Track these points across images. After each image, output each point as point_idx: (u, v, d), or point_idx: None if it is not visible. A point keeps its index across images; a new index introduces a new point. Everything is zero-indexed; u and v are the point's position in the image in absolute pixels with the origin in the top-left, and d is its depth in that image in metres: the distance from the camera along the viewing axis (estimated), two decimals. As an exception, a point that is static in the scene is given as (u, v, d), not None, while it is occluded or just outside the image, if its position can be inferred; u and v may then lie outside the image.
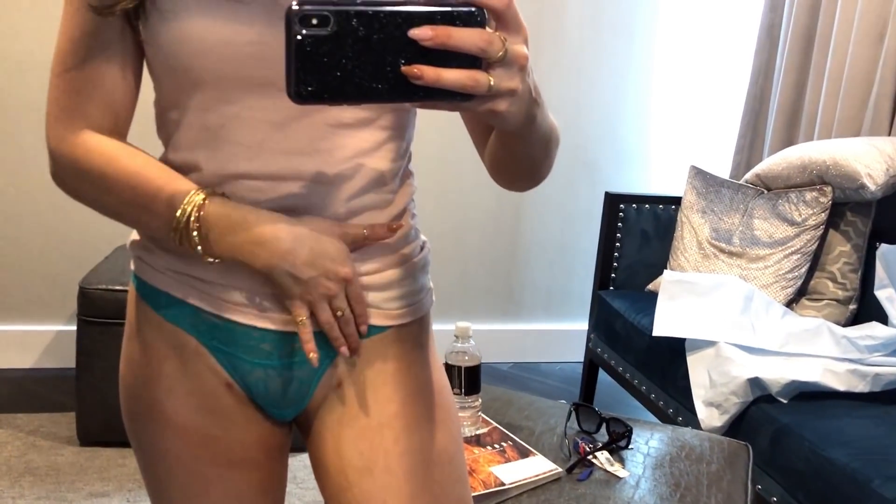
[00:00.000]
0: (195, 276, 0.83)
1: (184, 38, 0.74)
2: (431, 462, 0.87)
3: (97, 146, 0.80)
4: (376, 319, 0.87)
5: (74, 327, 2.60)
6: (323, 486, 0.90)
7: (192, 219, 0.77)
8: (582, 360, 3.33)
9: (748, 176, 2.69)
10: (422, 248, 0.92)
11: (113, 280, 2.31)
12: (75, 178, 0.81)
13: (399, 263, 0.88)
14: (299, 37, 0.56)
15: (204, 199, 0.77)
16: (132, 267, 0.90)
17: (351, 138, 0.80)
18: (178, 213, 0.77)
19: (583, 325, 3.35)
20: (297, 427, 0.95)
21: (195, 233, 0.77)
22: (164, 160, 0.83)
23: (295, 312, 0.80)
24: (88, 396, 2.31)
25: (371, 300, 0.86)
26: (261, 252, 0.77)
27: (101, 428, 2.34)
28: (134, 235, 0.90)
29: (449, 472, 0.89)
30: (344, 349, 0.83)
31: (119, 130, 0.82)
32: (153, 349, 0.87)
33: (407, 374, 0.88)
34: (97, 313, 2.27)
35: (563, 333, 3.35)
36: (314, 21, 0.56)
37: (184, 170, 0.81)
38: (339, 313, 0.81)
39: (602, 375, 3.13)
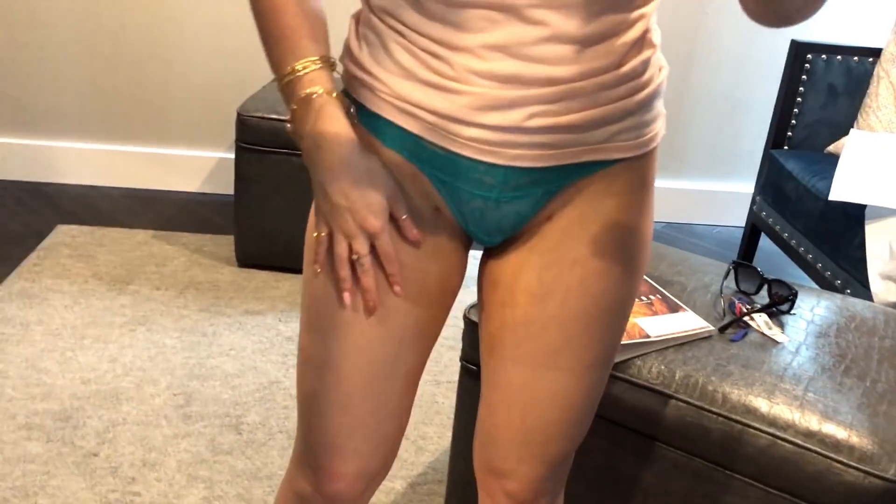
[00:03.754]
0: (421, 106, 0.78)
1: None
2: (604, 309, 0.86)
3: None
4: (604, 153, 0.81)
5: (233, 155, 2.69)
6: (483, 294, 0.91)
7: (291, 81, 0.79)
8: (741, 224, 3.14)
9: (968, 26, 2.32)
10: (660, 71, 0.83)
11: (269, 108, 2.33)
12: None
13: (636, 91, 0.80)
14: None
15: (314, 70, 0.78)
16: (345, 84, 0.85)
17: None
18: (287, 70, 0.79)
19: (747, 188, 3.13)
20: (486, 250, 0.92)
21: (286, 96, 0.80)
22: None
23: (317, 226, 0.83)
24: (245, 221, 2.41)
25: (601, 134, 0.79)
26: (314, 154, 0.79)
27: (258, 251, 2.44)
28: (347, 48, 0.84)
29: (614, 322, 0.88)
30: (346, 295, 0.83)
31: None
32: None
33: (622, 215, 0.84)
34: (254, 140, 2.32)
35: (725, 195, 3.14)
36: None
37: None
38: (355, 256, 0.81)
39: (763, 241, 2.94)
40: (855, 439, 1.15)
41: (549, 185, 0.81)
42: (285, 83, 0.79)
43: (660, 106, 0.85)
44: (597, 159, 0.81)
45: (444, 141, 0.78)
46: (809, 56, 2.47)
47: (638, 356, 1.28)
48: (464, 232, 0.88)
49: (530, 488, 0.92)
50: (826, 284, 2.17)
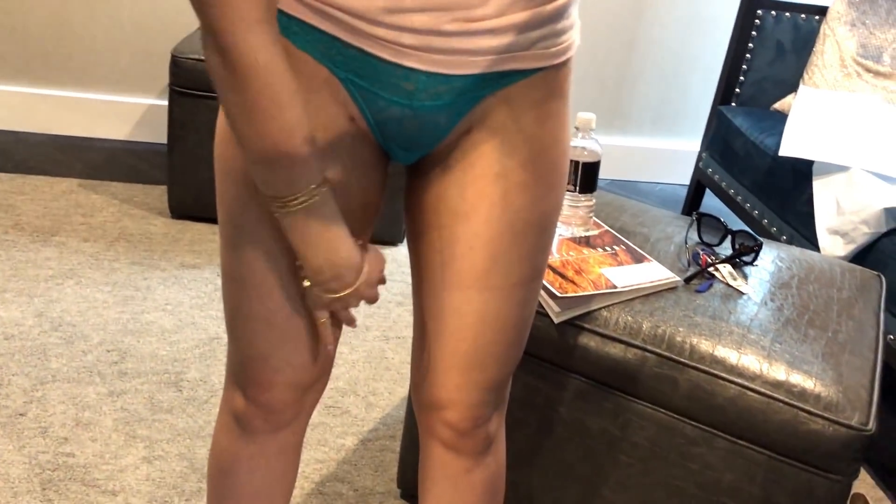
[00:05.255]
0: (336, 6, 0.73)
1: None
2: (529, 223, 0.85)
3: (266, 69, 0.70)
4: (524, 62, 0.78)
5: (166, 101, 2.54)
6: (411, 224, 0.90)
7: (298, 207, 0.76)
8: (684, 182, 3.15)
9: (912, -14, 2.35)
10: None
11: (206, 50, 2.20)
12: (229, 82, 0.71)
13: None
14: None
15: (316, 194, 0.76)
16: None
17: None
18: (288, 198, 0.75)
19: (692, 146, 3.14)
20: (407, 170, 0.91)
21: (287, 218, 0.77)
22: None
23: (317, 315, 0.86)
24: (180, 169, 2.28)
25: (521, 41, 0.77)
26: (315, 267, 0.80)
27: (193, 202, 2.32)
28: None
29: (540, 238, 0.87)
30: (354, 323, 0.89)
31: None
32: None
33: (542, 127, 0.82)
34: (190, 84, 2.18)
35: (669, 152, 3.14)
36: None
37: None
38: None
39: (707, 199, 2.96)
40: (820, 388, 1.14)
41: (470, 94, 0.79)
42: (287, 210, 0.76)
43: (574, 15, 0.83)
44: (516, 68, 0.78)
45: (360, 41, 0.74)
46: (759, 12, 2.47)
47: (604, 307, 1.24)
48: (381, 147, 0.85)
49: (470, 415, 0.91)
50: (772, 239, 2.19)
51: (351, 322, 0.89)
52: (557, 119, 0.84)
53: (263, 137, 0.71)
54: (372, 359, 1.89)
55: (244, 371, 0.93)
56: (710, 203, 2.98)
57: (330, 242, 0.78)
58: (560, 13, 0.79)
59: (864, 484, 1.72)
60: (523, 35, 0.76)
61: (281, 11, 0.76)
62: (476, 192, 0.83)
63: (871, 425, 1.12)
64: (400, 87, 0.77)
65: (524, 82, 0.80)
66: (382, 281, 0.86)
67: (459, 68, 0.76)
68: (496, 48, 0.76)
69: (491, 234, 0.83)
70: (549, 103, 0.83)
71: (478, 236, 0.83)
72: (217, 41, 0.68)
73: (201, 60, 2.17)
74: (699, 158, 2.64)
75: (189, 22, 2.69)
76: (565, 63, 0.83)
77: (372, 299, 0.85)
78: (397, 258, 2.35)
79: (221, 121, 0.85)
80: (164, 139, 2.78)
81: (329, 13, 0.74)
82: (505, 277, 0.85)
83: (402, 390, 1.80)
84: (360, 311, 2.06)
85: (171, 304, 1.97)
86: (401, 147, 0.84)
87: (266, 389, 0.92)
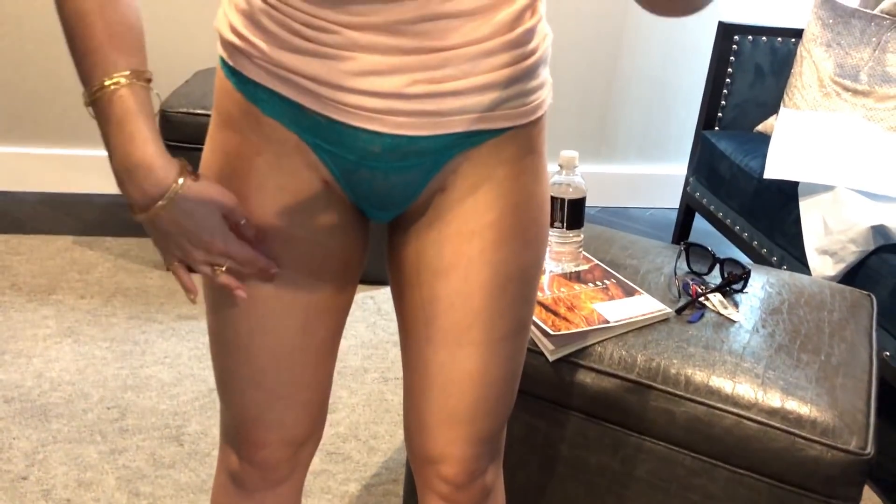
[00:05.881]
0: (299, 73, 0.74)
1: None
2: (509, 278, 0.85)
3: None
4: (491, 122, 0.79)
5: (158, 153, 2.56)
6: (394, 284, 0.90)
7: (97, 101, 0.72)
8: (674, 206, 3.18)
9: (884, 5, 2.39)
10: (545, 39, 0.82)
11: (195, 104, 2.23)
12: None
13: (522, 59, 0.78)
14: None
15: (116, 87, 0.71)
16: (222, 53, 0.80)
17: None
18: (92, 88, 0.72)
19: (678, 170, 3.17)
20: (387, 227, 0.92)
21: (96, 113, 0.73)
22: None
23: (165, 259, 0.80)
24: (174, 222, 2.30)
25: (487, 102, 0.77)
26: (129, 188, 0.74)
27: (188, 253, 2.33)
28: (221, 17, 0.80)
29: (522, 291, 0.87)
30: (240, 292, 0.81)
31: None
32: (246, 142, 0.80)
33: (515, 182, 0.83)
34: (180, 137, 2.21)
35: (657, 178, 3.18)
36: None
37: None
38: (219, 269, 0.80)
39: (697, 221, 2.98)
40: (816, 414, 1.15)
41: (438, 155, 0.79)
42: (94, 100, 0.72)
43: (545, 74, 0.84)
44: (484, 128, 0.79)
45: (323, 108, 0.75)
46: (736, 37, 2.51)
47: (598, 342, 1.26)
48: (356, 207, 0.86)
49: (464, 470, 0.91)
50: (763, 262, 2.21)
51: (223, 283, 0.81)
52: (531, 174, 0.84)
53: (64, 18, 0.72)
54: (371, 402, 1.89)
55: (237, 431, 0.93)
56: (701, 226, 3.00)
57: (128, 137, 0.72)
58: (527, 73, 0.79)
59: (871, 503, 1.72)
60: (489, 96, 0.77)
61: (249, 79, 0.78)
62: (453, 249, 0.83)
63: (870, 449, 1.13)
64: (366, 150, 0.77)
65: (494, 141, 0.81)
66: (219, 234, 0.78)
67: (425, 129, 0.76)
68: (461, 109, 0.76)
69: (470, 291, 0.83)
70: (522, 159, 0.83)
71: (458, 293, 0.84)
72: None
73: (190, 114, 2.20)
74: (686, 183, 2.67)
75: (176, 78, 2.73)
76: (536, 121, 0.84)
77: (200, 241, 0.77)
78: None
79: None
80: (156, 191, 2.79)
81: (293, 80, 0.75)
82: (488, 332, 0.85)
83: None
84: (358, 354, 2.07)
85: (170, 356, 1.98)
86: (374, 207, 0.85)
87: (260, 448, 0.93)
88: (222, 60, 0.81)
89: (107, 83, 0.71)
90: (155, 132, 0.73)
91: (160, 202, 0.74)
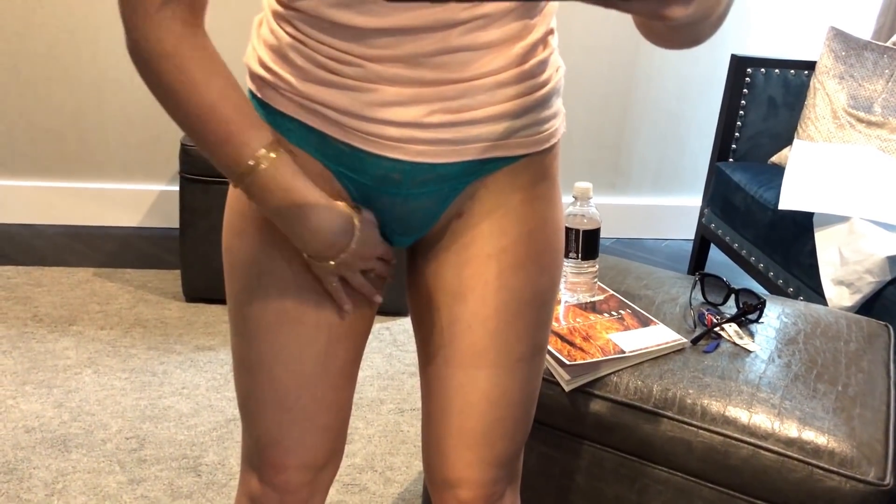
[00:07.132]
0: (325, 104, 0.78)
1: None
2: (525, 302, 0.87)
3: (174, 54, 0.72)
4: (507, 150, 0.83)
5: (177, 187, 2.61)
6: (413, 307, 0.93)
7: (254, 177, 0.77)
8: (690, 237, 3.18)
9: (896, 37, 2.41)
10: (557, 71, 0.86)
11: (214, 137, 2.27)
12: (147, 75, 0.74)
13: (535, 89, 0.82)
14: None
15: (269, 160, 0.76)
16: (251, 86, 0.84)
17: None
18: (242, 170, 0.76)
19: (693, 201, 3.18)
20: (407, 252, 0.95)
21: (253, 192, 0.78)
22: None
23: (326, 280, 0.86)
24: (192, 253, 2.33)
25: (503, 130, 0.81)
26: (304, 238, 0.81)
27: (206, 285, 2.36)
28: (251, 52, 0.84)
29: (538, 314, 0.89)
30: (377, 297, 0.90)
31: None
32: None
33: (530, 208, 0.86)
34: (199, 171, 2.25)
35: (672, 209, 3.18)
36: None
37: None
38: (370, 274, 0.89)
39: (713, 253, 2.98)
40: (833, 444, 1.15)
41: (455, 181, 0.83)
42: (249, 182, 0.77)
43: (558, 104, 0.87)
44: (499, 155, 0.82)
45: (347, 137, 0.79)
46: (749, 70, 2.53)
47: (614, 372, 1.26)
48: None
49: (482, 493, 0.92)
50: (779, 292, 2.20)
51: (370, 292, 0.89)
52: (545, 200, 0.87)
53: (189, 117, 0.74)
54: (388, 433, 1.89)
55: (258, 454, 0.95)
56: (717, 258, 3.00)
57: (298, 209, 0.78)
58: (541, 103, 0.83)
59: (892, 536, 1.70)
60: (504, 124, 0.80)
61: (276, 111, 0.81)
62: (471, 272, 0.86)
63: (888, 479, 1.12)
64: (388, 178, 0.81)
65: (509, 168, 0.84)
66: (379, 244, 0.87)
67: (443, 157, 0.80)
68: (478, 137, 0.80)
69: (488, 313, 0.86)
70: (536, 186, 0.86)
71: (475, 316, 0.86)
72: (129, 37, 0.72)
73: (210, 148, 2.24)
74: (701, 214, 2.67)
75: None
76: (550, 149, 0.87)
77: (367, 257, 0.85)
78: (408, 329, 2.37)
79: (228, 212, 0.89)
80: (175, 224, 2.84)
81: (317, 110, 0.79)
82: (506, 355, 0.87)
83: (420, 463, 1.80)
84: (374, 385, 2.07)
85: (188, 387, 2.00)
86: (395, 232, 0.88)
87: (280, 471, 0.94)
88: (251, 93, 0.84)
89: (256, 164, 0.76)
90: (315, 189, 0.79)
91: (352, 246, 0.83)
